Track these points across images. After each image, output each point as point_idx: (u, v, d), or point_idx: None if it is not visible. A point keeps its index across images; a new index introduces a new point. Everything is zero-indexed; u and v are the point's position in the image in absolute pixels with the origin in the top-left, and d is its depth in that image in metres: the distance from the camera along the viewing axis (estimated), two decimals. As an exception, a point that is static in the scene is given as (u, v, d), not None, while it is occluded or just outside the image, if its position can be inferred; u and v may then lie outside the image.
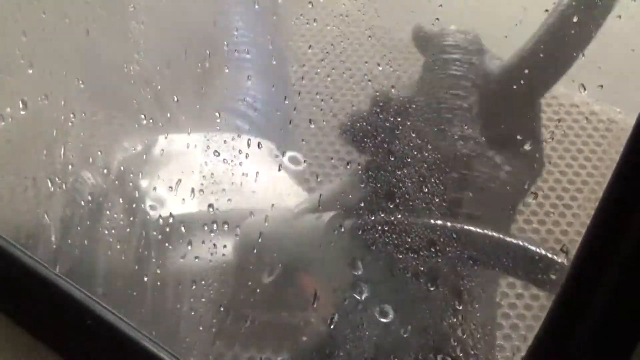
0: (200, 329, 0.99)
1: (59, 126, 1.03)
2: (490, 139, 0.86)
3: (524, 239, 0.82)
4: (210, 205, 0.99)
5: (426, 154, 0.85)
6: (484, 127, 0.86)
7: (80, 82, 0.98)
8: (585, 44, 0.85)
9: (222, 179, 1.02)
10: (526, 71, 0.88)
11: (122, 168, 1.10)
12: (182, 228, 1.02)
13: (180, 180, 1.04)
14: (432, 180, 0.84)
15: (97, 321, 0.81)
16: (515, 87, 0.88)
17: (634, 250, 0.45)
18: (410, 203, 0.84)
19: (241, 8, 1.19)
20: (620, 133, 1.25)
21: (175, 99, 1.03)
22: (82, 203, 1.11)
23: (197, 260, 1.01)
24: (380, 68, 0.94)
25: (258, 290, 0.95)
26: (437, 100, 0.87)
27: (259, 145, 1.05)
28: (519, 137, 0.87)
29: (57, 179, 1.09)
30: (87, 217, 1.09)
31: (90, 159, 1.10)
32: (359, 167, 0.88)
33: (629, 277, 0.46)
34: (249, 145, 1.04)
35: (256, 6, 1.13)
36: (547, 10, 0.90)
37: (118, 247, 1.06)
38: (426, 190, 0.84)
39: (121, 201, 1.08)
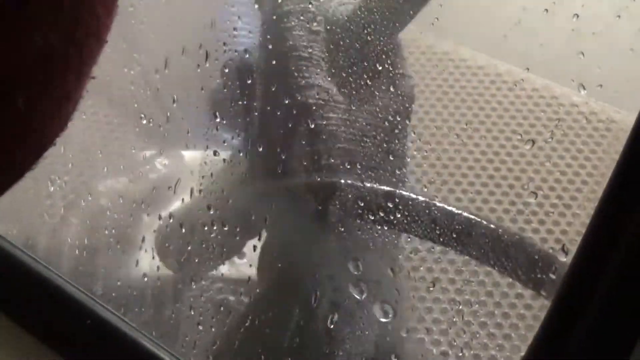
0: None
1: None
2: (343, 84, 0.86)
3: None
4: (210, 204, 0.99)
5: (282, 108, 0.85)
6: (336, 74, 0.86)
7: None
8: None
9: (222, 179, 1.02)
10: (374, 14, 0.88)
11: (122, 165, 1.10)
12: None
13: (179, 180, 1.04)
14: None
15: (97, 321, 0.81)
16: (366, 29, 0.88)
17: (633, 250, 0.45)
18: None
19: (241, 8, 1.19)
20: (619, 133, 1.25)
21: (175, 98, 1.03)
22: (83, 203, 1.11)
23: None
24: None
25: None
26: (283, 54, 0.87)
27: (259, 145, 1.05)
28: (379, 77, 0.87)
29: (57, 179, 1.09)
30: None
31: (90, 159, 1.10)
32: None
33: (629, 277, 0.46)
34: (248, 144, 1.04)
35: (256, 6, 1.13)
36: (546, 10, 0.90)
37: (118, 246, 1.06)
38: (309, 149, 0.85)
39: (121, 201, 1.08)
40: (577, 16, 0.85)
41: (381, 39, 0.88)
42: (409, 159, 0.96)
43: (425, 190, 1.22)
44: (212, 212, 0.99)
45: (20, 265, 0.85)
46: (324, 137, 0.85)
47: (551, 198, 1.19)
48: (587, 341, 0.48)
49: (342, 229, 0.91)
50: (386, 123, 0.89)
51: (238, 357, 1.00)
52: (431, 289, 1.06)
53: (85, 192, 1.11)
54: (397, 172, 0.90)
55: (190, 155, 1.08)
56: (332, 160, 0.85)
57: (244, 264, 1.01)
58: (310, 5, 0.88)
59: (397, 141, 0.90)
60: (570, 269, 0.49)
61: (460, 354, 0.99)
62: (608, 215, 0.46)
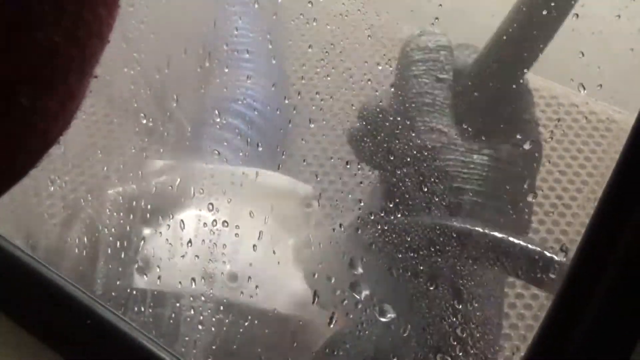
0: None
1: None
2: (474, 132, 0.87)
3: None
4: (211, 204, 0.99)
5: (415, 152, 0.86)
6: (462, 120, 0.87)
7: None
8: (554, 28, 0.86)
9: (222, 179, 1.02)
10: (498, 59, 0.89)
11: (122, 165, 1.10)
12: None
13: (180, 180, 1.04)
14: (431, 179, 0.85)
15: (97, 321, 0.81)
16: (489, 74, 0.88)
17: (633, 250, 0.45)
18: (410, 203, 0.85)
19: (241, 8, 1.19)
20: (620, 133, 1.25)
21: (175, 98, 1.04)
22: (83, 203, 1.11)
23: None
24: (380, 67, 0.95)
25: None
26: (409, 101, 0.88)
27: (258, 145, 1.05)
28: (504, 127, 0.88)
29: (57, 179, 1.09)
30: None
31: (90, 159, 1.10)
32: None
33: (629, 277, 0.46)
34: (248, 144, 1.04)
35: (256, 5, 1.13)
36: (546, 12, 0.90)
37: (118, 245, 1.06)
38: (426, 189, 0.85)
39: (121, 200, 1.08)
40: (577, 16, 0.85)
41: (505, 82, 0.90)
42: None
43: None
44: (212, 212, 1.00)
45: (20, 265, 0.85)
46: (437, 176, 0.86)
47: (551, 198, 1.19)
48: (587, 341, 0.48)
49: (342, 229, 0.91)
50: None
51: (238, 357, 1.00)
52: (431, 288, 1.06)
53: (86, 192, 1.11)
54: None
55: (191, 156, 1.08)
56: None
57: (244, 264, 1.01)
58: (439, 55, 0.90)
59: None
60: (570, 269, 0.49)
61: (460, 354, 0.99)
62: (608, 215, 0.46)
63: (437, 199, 0.84)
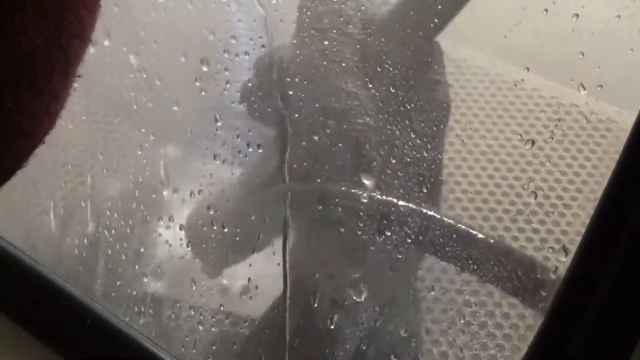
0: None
1: (59, 129, 1.03)
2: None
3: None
4: (210, 207, 0.99)
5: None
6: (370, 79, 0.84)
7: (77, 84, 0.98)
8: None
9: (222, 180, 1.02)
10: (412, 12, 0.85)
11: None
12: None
13: (180, 181, 1.04)
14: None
15: (97, 321, 0.81)
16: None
17: (633, 250, 0.45)
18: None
19: (242, 8, 1.19)
20: (620, 133, 1.25)
21: (176, 100, 1.04)
22: (83, 203, 1.11)
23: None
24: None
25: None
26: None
27: (258, 146, 1.05)
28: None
29: (57, 179, 1.09)
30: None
31: (90, 160, 1.10)
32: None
33: (629, 276, 0.46)
34: (249, 146, 1.04)
35: (258, 7, 1.13)
36: (546, 10, 0.90)
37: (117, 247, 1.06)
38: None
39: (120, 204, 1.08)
40: (577, 16, 0.85)
41: (417, 41, 0.86)
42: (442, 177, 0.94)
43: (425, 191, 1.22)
44: (211, 213, 1.00)
45: (20, 265, 0.85)
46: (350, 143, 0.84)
47: (551, 198, 1.19)
48: (587, 341, 0.48)
49: (342, 230, 0.91)
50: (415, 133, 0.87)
51: (238, 357, 1.00)
52: (432, 292, 1.06)
53: (86, 192, 1.11)
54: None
55: (191, 156, 1.08)
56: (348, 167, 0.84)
57: (244, 264, 1.01)
58: (345, 6, 0.85)
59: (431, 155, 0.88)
60: (570, 269, 0.49)
61: (460, 354, 0.99)
62: (608, 215, 0.46)
63: (345, 165, 0.82)
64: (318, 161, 0.86)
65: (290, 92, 0.85)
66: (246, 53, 1.12)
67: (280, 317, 0.90)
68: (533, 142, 1.28)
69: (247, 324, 0.98)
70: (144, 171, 1.09)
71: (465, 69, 1.35)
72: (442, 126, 0.88)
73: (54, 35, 0.25)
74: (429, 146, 0.88)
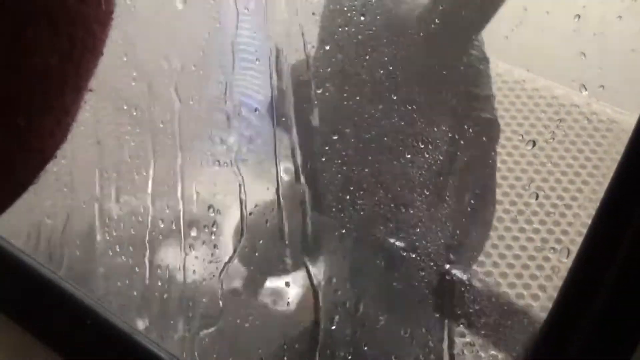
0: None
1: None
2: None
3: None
4: (210, 207, 0.99)
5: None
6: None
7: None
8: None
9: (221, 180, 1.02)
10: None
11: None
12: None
13: (181, 181, 1.04)
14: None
15: (97, 321, 0.81)
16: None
17: (635, 250, 0.45)
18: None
19: (244, 8, 1.19)
20: (621, 133, 1.25)
21: (178, 98, 1.03)
22: (83, 205, 1.11)
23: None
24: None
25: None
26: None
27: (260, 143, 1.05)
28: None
29: (57, 180, 1.09)
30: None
31: (91, 160, 1.10)
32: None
33: (631, 277, 0.46)
34: (250, 141, 1.03)
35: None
36: (547, 12, 0.90)
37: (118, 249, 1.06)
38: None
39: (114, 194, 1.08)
40: (579, 17, 0.85)
41: (455, 47, 0.79)
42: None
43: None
44: (211, 215, 1.00)
45: (20, 265, 0.85)
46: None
47: (552, 198, 1.19)
48: (589, 342, 0.48)
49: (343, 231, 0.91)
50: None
51: (238, 356, 1.00)
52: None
53: (86, 193, 1.11)
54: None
55: (190, 157, 1.08)
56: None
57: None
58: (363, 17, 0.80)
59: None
60: (572, 270, 0.49)
61: (460, 354, 0.98)
62: (610, 215, 0.46)
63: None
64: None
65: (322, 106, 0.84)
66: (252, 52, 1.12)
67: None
68: (534, 143, 1.27)
69: (247, 323, 0.98)
70: (145, 172, 1.09)
71: (466, 69, 1.35)
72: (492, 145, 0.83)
73: (66, 52, 0.25)
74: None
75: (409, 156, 0.81)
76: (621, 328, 0.47)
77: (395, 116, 0.81)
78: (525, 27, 0.94)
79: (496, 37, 1.06)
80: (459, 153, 0.81)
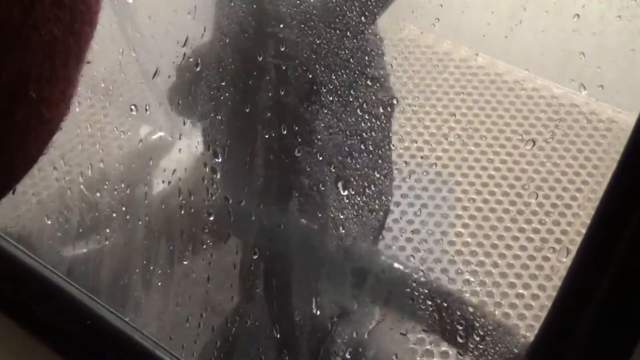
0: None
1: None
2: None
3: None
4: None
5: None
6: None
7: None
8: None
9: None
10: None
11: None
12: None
13: (180, 181, 1.04)
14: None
15: (97, 321, 0.81)
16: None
17: (634, 250, 0.45)
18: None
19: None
20: (620, 133, 1.25)
21: (179, 101, 1.04)
22: (83, 205, 1.11)
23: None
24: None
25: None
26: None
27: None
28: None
29: (57, 180, 1.09)
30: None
31: (88, 154, 1.10)
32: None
33: (630, 277, 0.46)
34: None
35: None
36: (547, 11, 0.90)
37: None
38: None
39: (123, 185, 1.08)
40: (578, 16, 0.85)
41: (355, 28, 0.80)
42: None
43: (421, 191, 1.21)
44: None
45: (20, 265, 0.85)
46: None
47: (552, 198, 1.19)
48: (588, 342, 0.48)
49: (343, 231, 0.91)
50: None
51: (238, 356, 1.00)
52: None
53: (87, 194, 1.11)
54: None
55: (189, 154, 1.08)
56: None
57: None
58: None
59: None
60: (571, 269, 0.49)
61: (461, 355, 0.99)
62: (609, 215, 0.46)
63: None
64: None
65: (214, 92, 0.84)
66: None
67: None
68: (533, 142, 1.28)
69: (247, 323, 0.98)
70: (148, 173, 1.09)
71: (466, 69, 1.35)
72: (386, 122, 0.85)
73: (69, 24, 0.26)
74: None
75: (306, 137, 0.82)
76: (621, 327, 0.47)
77: (290, 99, 0.82)
78: (525, 27, 0.94)
79: (496, 37, 1.06)
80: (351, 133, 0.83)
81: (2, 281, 0.86)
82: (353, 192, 0.83)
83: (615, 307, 0.47)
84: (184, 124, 1.02)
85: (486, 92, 1.34)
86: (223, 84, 0.84)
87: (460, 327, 0.83)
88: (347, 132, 0.84)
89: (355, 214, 0.83)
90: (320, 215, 0.85)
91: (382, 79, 0.85)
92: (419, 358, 0.98)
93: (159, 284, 1.04)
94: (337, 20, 0.81)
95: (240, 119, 0.84)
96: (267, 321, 0.88)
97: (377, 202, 0.85)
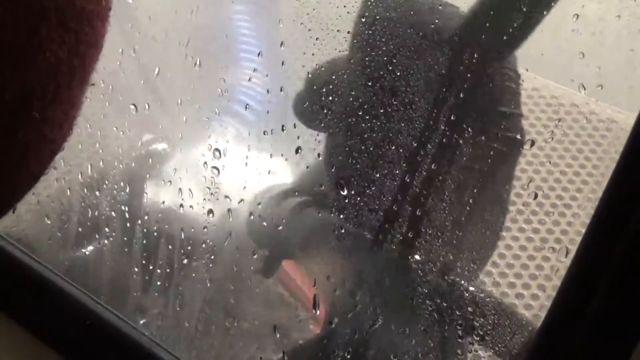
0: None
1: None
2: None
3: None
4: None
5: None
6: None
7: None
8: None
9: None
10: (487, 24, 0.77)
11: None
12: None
13: (176, 171, 1.04)
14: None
15: (97, 321, 0.81)
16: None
17: (634, 250, 0.45)
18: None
19: (246, 8, 1.19)
20: (620, 133, 1.25)
21: (180, 101, 1.04)
22: (83, 204, 1.11)
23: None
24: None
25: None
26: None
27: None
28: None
29: (57, 180, 1.09)
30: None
31: (88, 154, 1.10)
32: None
33: (630, 277, 0.46)
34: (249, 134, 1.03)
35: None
36: (545, 13, 0.90)
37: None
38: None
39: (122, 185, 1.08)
40: (577, 16, 0.85)
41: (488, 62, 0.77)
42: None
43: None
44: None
45: (20, 265, 0.85)
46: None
47: (551, 198, 1.19)
48: (587, 342, 0.48)
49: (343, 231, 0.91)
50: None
51: (238, 356, 1.00)
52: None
53: (88, 195, 1.11)
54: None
55: (190, 154, 1.08)
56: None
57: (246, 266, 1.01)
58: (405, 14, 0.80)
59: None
60: (571, 269, 0.49)
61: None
62: (609, 215, 0.46)
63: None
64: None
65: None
66: (252, 48, 1.12)
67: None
68: (533, 142, 1.27)
69: (247, 323, 0.98)
70: (147, 174, 1.09)
71: (466, 69, 1.35)
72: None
73: (74, 46, 0.27)
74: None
75: (426, 165, 0.81)
76: (620, 327, 0.47)
77: (417, 129, 0.81)
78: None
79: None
80: (477, 167, 0.82)
81: (2, 281, 0.86)
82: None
83: (615, 307, 0.47)
84: (185, 123, 1.03)
85: (486, 92, 1.34)
86: (351, 100, 0.82)
87: (459, 327, 0.83)
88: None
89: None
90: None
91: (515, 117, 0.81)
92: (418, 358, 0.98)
93: (159, 283, 1.04)
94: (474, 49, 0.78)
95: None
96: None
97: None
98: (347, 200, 0.82)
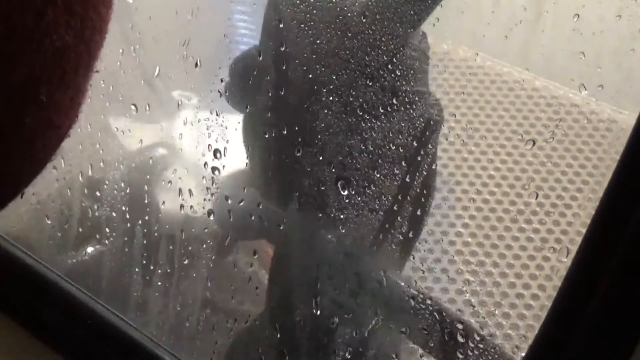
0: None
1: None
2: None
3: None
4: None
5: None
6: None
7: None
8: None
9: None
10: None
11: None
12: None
13: (180, 179, 1.04)
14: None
15: (97, 321, 0.81)
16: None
17: (634, 250, 0.45)
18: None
19: (244, 7, 1.19)
20: (620, 133, 1.25)
21: (180, 101, 1.04)
22: (83, 204, 1.11)
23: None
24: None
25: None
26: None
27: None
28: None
29: (57, 180, 1.09)
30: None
31: (88, 154, 1.10)
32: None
33: (630, 277, 0.46)
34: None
35: (254, 4, 1.13)
36: (547, 11, 0.90)
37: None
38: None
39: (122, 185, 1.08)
40: (578, 16, 0.85)
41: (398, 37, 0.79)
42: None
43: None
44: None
45: (20, 265, 0.85)
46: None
47: (552, 198, 1.19)
48: (587, 342, 0.48)
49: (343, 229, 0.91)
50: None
51: (238, 356, 1.00)
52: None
53: (88, 195, 1.11)
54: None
55: (190, 154, 1.08)
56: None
57: (245, 265, 1.01)
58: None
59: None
60: (571, 269, 0.49)
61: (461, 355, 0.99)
62: (609, 215, 0.46)
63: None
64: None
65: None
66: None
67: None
68: (533, 142, 1.28)
69: (248, 323, 0.98)
70: (146, 175, 1.09)
71: (466, 69, 1.35)
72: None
73: (79, 31, 0.27)
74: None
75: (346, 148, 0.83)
76: (620, 328, 0.47)
77: (329, 111, 0.82)
78: (525, 27, 0.94)
79: (496, 37, 1.06)
80: (396, 149, 0.83)
81: (2, 281, 0.86)
82: (354, 192, 0.83)
83: (615, 307, 0.47)
84: (185, 123, 1.03)
85: (486, 92, 1.34)
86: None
87: (459, 328, 0.83)
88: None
89: (355, 216, 0.83)
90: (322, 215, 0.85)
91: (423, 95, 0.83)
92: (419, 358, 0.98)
93: (159, 283, 1.04)
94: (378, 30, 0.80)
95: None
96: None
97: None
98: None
